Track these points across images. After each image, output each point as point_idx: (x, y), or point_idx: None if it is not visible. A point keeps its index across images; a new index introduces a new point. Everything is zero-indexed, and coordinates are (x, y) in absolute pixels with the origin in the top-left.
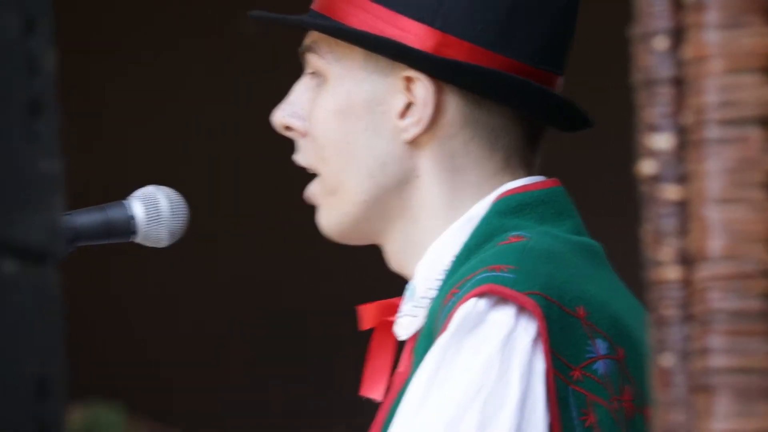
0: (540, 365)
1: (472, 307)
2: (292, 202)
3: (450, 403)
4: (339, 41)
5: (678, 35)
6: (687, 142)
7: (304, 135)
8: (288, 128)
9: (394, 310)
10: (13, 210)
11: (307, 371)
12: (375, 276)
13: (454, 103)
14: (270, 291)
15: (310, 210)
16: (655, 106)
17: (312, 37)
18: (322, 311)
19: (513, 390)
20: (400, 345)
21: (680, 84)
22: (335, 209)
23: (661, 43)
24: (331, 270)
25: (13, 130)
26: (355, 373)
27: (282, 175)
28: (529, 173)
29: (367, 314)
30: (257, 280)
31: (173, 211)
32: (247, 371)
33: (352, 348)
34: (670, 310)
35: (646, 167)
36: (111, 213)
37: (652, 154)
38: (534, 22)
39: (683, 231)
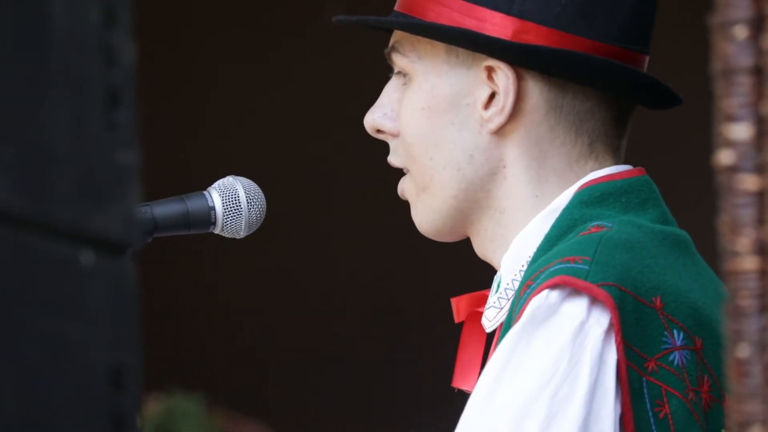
0: (612, 357)
1: (544, 298)
2: (391, 196)
3: (518, 395)
4: (421, 38)
5: (758, 24)
6: (765, 132)
7: (395, 136)
8: (379, 131)
9: (484, 301)
10: (91, 201)
11: (399, 365)
12: (478, 267)
13: (536, 89)
14: (362, 285)
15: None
16: (734, 96)
17: (395, 36)
18: (425, 305)
19: (582, 382)
20: (490, 336)
21: (760, 73)
22: (427, 205)
23: (740, 32)
24: (433, 263)
25: (91, 121)
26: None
27: (382, 168)
28: (615, 157)
29: (460, 306)
30: (343, 273)
31: (251, 202)
32: (330, 364)
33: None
34: (746, 301)
35: (724, 157)
36: (191, 204)
37: (730, 144)
38: (614, 1)
39: (761, 221)
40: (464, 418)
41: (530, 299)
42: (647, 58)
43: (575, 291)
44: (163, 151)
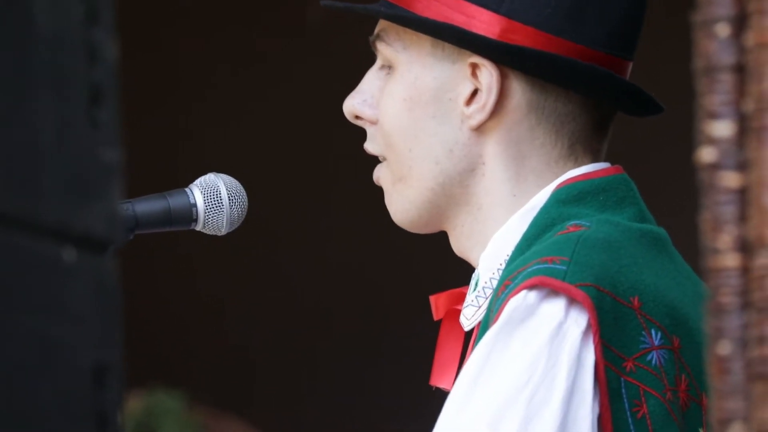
0: (590, 357)
1: (522, 299)
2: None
3: (496, 397)
4: (406, 29)
5: (740, 22)
6: (747, 130)
7: (373, 123)
8: (358, 117)
9: (462, 299)
10: (74, 198)
11: (389, 363)
12: (458, 264)
13: (519, 89)
14: (350, 283)
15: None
16: (716, 94)
17: (381, 25)
18: (416, 303)
19: (560, 384)
20: (468, 334)
21: (741, 71)
22: (403, 196)
23: (723, 29)
24: (425, 262)
25: (73, 119)
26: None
27: (363, 163)
28: (595, 159)
29: (439, 303)
30: (331, 271)
31: (233, 200)
32: (314, 361)
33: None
34: (727, 298)
35: (706, 155)
36: (172, 201)
37: (712, 141)
38: (603, 7)
39: (742, 218)
40: (441, 421)
41: (508, 300)
42: (631, 65)
43: (553, 292)
44: (161, 152)
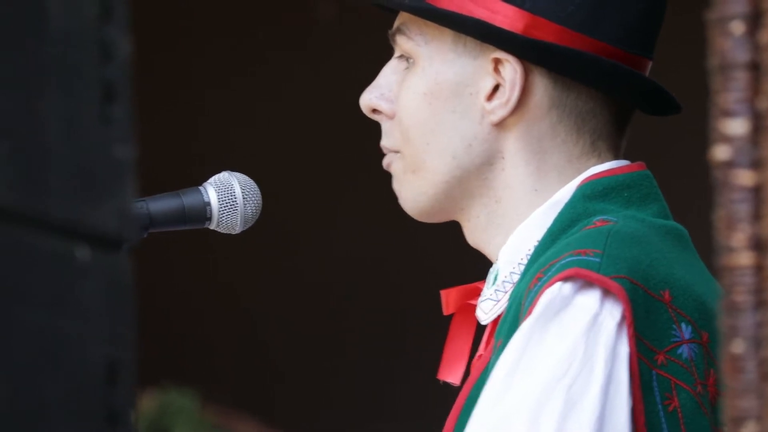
0: (624, 349)
1: (557, 291)
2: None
3: (535, 388)
4: (428, 23)
5: (755, 20)
6: (762, 128)
7: (391, 117)
8: (375, 111)
9: (475, 293)
10: (87, 196)
11: (403, 362)
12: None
13: (542, 86)
14: (364, 281)
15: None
16: (731, 91)
17: (402, 18)
18: (430, 301)
19: (597, 374)
20: (479, 329)
21: (756, 69)
22: (414, 186)
23: (737, 27)
24: (440, 260)
25: (87, 116)
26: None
27: (377, 159)
28: (615, 156)
29: (450, 298)
30: (342, 269)
31: (247, 198)
32: (331, 358)
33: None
34: (741, 296)
35: (720, 152)
36: (186, 199)
37: (726, 139)
38: (625, 5)
39: (756, 216)
40: (478, 413)
41: (542, 291)
42: (650, 64)
43: (588, 283)
44: (174, 150)
